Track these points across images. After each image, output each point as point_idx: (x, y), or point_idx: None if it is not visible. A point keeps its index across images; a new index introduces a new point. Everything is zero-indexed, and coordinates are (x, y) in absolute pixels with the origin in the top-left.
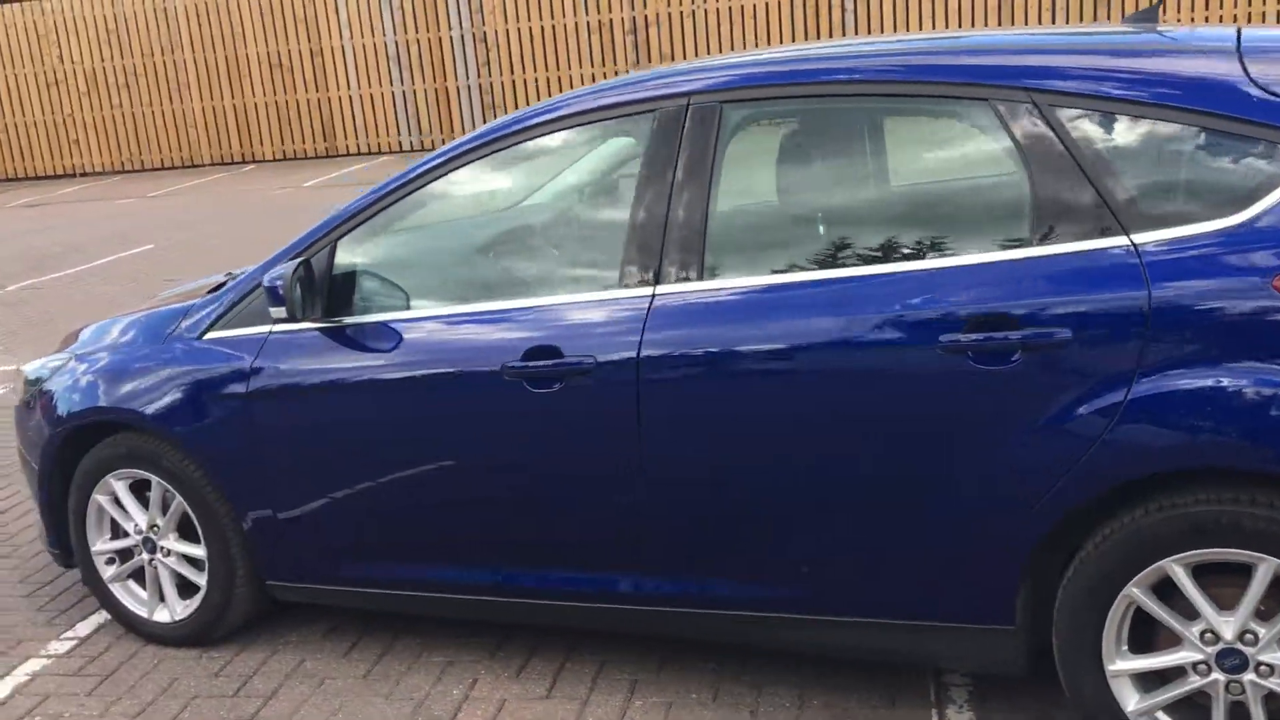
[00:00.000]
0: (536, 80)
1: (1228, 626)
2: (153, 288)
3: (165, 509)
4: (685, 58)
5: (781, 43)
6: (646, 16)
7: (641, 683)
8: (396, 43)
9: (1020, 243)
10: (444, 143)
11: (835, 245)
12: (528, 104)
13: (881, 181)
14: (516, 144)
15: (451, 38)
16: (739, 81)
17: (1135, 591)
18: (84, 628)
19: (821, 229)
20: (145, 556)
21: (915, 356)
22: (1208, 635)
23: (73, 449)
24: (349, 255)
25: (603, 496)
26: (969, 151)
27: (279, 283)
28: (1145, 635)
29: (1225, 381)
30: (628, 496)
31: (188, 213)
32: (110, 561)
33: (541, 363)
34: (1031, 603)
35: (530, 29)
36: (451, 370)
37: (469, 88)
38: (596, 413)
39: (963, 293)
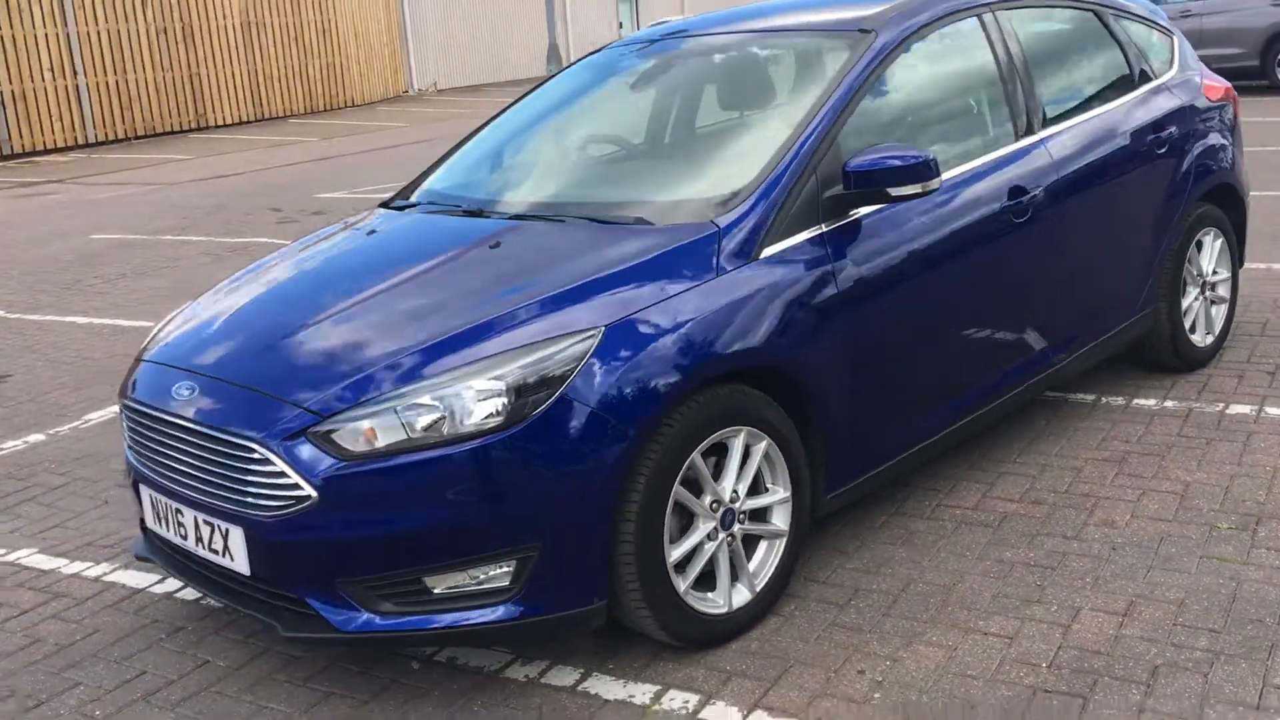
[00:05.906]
0: None
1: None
2: None
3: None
4: None
5: None
6: None
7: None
8: None
9: None
10: None
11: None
12: None
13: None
14: (941, 27)
15: None
16: None
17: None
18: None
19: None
20: (723, 536)
21: None
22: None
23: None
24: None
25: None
26: None
27: (920, 158)
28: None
29: None
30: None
31: None
32: (678, 570)
33: (1019, 199)
34: None
35: None
36: (981, 214)
37: None
38: (1047, 227)
39: None
